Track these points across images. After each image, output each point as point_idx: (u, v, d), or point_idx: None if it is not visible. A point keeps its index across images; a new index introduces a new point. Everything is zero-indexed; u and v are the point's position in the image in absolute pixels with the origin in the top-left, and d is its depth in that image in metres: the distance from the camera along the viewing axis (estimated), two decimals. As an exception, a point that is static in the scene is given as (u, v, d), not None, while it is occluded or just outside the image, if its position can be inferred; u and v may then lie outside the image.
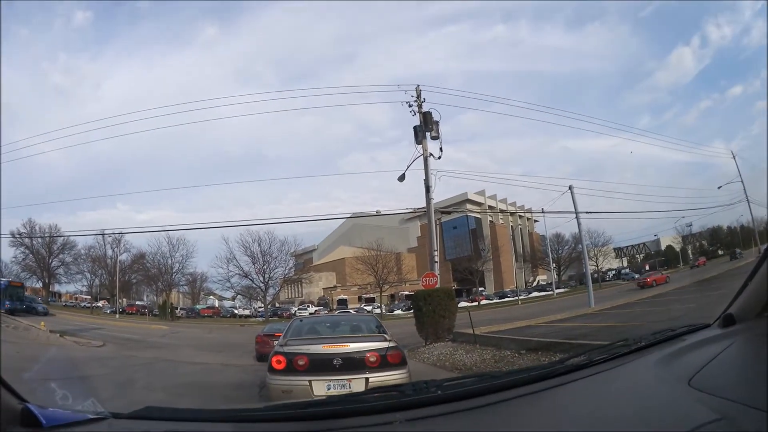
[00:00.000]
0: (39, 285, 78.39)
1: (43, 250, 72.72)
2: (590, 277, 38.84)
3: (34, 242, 71.13)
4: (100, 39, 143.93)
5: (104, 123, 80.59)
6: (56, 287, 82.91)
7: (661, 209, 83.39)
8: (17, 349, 17.57)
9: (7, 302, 44.43)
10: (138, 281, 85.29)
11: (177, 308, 73.47)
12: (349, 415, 2.41)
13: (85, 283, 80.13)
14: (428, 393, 2.65)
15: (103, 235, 69.16)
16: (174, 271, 78.41)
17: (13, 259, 74.57)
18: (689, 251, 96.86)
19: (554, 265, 79.67)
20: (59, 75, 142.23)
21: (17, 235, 69.08)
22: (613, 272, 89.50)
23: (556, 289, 73.46)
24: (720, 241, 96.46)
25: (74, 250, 74.86)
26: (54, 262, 74.13)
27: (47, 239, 70.51)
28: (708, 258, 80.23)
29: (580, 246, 52.19)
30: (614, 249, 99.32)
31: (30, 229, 70.54)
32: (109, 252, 76.26)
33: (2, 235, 61.58)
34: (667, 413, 2.00)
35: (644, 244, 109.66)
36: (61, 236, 69.78)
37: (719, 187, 56.72)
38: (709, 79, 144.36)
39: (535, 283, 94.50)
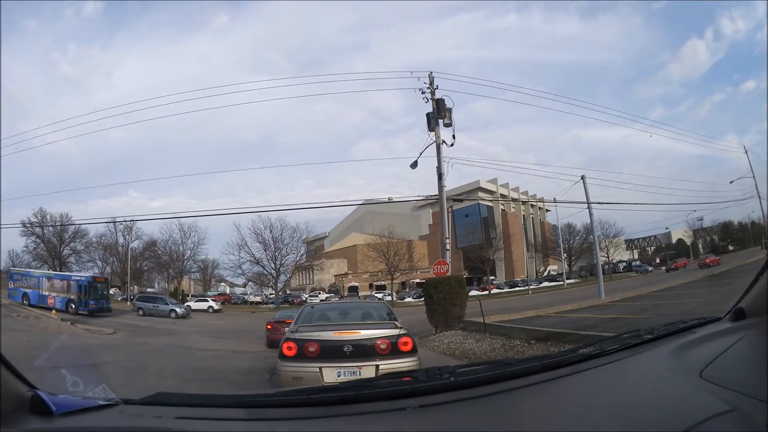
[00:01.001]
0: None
1: (55, 239, 72.91)
2: (601, 269, 38.71)
3: (45, 231, 71.36)
4: (110, 28, 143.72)
5: (116, 111, 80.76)
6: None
7: (672, 202, 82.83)
8: (28, 337, 17.76)
9: (92, 302, 39.13)
10: (149, 268, 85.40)
11: (188, 295, 73.55)
12: (361, 401, 2.42)
13: (97, 271, 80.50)
14: (441, 379, 2.64)
15: (114, 222, 69.25)
16: (185, 258, 78.69)
17: (24, 249, 75.08)
18: (700, 245, 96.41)
19: (565, 255, 79.36)
20: (69, 65, 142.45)
21: (28, 225, 69.28)
22: (624, 264, 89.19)
23: (567, 279, 73.28)
24: (731, 237, 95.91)
25: (85, 238, 74.86)
26: (65, 251, 74.34)
27: (58, 228, 70.70)
28: (719, 254, 79.80)
29: (591, 237, 52.01)
30: (625, 241, 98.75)
31: (41, 218, 70.63)
32: (121, 240, 76.31)
33: (13, 225, 61.77)
34: (679, 403, 2.02)
35: (655, 236, 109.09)
36: (72, 225, 69.85)
37: (731, 182, 56.57)
38: (722, 72, 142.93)
39: (545, 273, 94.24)
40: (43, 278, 41.31)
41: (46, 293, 39.36)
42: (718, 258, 61.82)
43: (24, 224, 67.82)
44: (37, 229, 70.69)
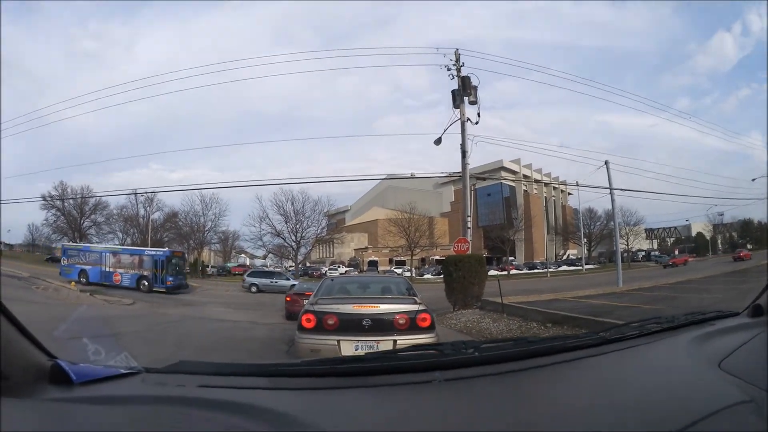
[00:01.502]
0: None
1: (75, 212, 73.40)
2: (620, 256, 38.48)
3: (65, 204, 71.79)
4: (131, 1, 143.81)
5: (137, 85, 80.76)
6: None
7: (694, 194, 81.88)
8: (47, 309, 17.93)
9: (170, 278, 36.96)
10: (170, 239, 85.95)
11: (208, 266, 73.85)
12: (387, 372, 2.43)
13: (117, 243, 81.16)
14: (467, 354, 2.64)
15: (135, 194, 69.48)
16: (206, 229, 78.89)
17: (45, 222, 75.80)
18: (719, 241, 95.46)
19: (585, 240, 78.92)
20: (90, 40, 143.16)
21: (48, 198, 69.75)
22: (643, 253, 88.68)
23: (586, 264, 72.86)
24: (750, 235, 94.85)
25: (106, 210, 75.18)
26: (86, 223, 74.89)
27: (79, 200, 71.11)
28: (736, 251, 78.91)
29: (612, 223, 51.64)
30: (645, 230, 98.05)
31: (62, 191, 71.01)
32: (142, 211, 76.75)
33: (33, 199, 62.10)
34: (698, 390, 2.07)
35: (675, 228, 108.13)
36: (92, 197, 70.07)
37: (753, 180, 55.69)
38: (749, 67, 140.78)
39: (565, 257, 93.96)
40: (107, 253, 38.95)
41: (111, 269, 37.51)
42: (750, 253, 61.91)
43: (44, 197, 68.30)
44: (58, 202, 71.22)
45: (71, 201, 71.10)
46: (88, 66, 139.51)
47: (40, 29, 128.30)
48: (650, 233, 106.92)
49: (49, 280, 34.52)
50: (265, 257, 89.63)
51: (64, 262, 39.90)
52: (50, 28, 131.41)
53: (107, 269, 37.49)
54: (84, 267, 37.96)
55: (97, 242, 67.94)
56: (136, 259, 37.81)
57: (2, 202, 44.11)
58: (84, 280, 36.36)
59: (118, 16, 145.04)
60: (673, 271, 49.27)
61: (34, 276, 37.99)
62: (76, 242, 55.09)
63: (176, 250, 46.04)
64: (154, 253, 39.15)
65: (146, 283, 36.10)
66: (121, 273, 37.03)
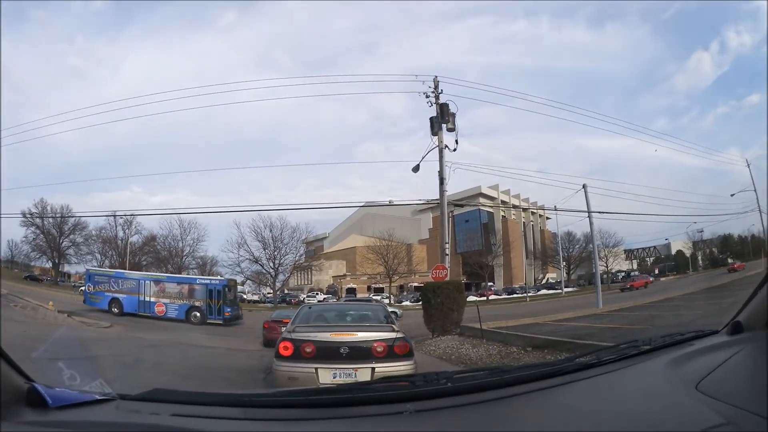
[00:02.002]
0: (48, 265, 79.04)
1: (54, 231, 73.10)
2: (599, 278, 38.77)
3: (45, 222, 71.49)
4: (118, 22, 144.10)
5: (121, 105, 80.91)
6: (66, 267, 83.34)
7: (673, 213, 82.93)
8: (24, 328, 17.65)
9: (228, 309, 33.68)
10: (148, 263, 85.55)
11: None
12: (358, 404, 2.42)
13: (95, 264, 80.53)
14: (439, 384, 2.65)
15: (114, 216, 69.31)
16: (184, 254, 78.75)
17: (24, 239, 75.32)
18: (699, 258, 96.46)
19: (564, 263, 79.38)
20: (76, 57, 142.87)
21: (28, 215, 69.48)
22: (623, 274, 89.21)
23: (565, 287, 73.24)
24: (730, 250, 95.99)
25: (85, 230, 75.13)
26: (64, 243, 74.51)
27: (58, 219, 70.82)
28: (717, 267, 79.62)
29: (590, 246, 52.06)
30: (625, 251, 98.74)
31: (41, 209, 70.86)
32: (120, 233, 76.54)
33: (14, 215, 61.73)
34: (675, 415, 2.03)
35: (655, 247, 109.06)
36: (72, 216, 70.03)
37: (732, 195, 56.55)
38: (727, 85, 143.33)
39: (544, 281, 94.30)
40: (148, 281, 35.11)
41: (153, 299, 33.72)
42: (744, 264, 63.06)
43: (24, 215, 68.04)
44: (37, 220, 70.88)
45: (51, 220, 70.85)
46: (72, 83, 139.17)
47: (26, 42, 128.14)
48: (630, 254, 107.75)
49: (27, 299, 33.93)
50: (242, 283, 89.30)
51: (89, 289, 35.35)
52: (36, 42, 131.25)
53: (147, 299, 33.70)
54: (117, 296, 33.91)
55: (75, 263, 67.38)
56: (185, 288, 34.47)
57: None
58: (116, 310, 33.09)
59: (104, 35, 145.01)
60: (652, 290, 49.38)
61: (12, 294, 37.18)
62: (55, 262, 52.63)
63: (231, 279, 42.49)
64: (208, 281, 36.40)
65: (198, 315, 32.95)
66: (165, 303, 33.59)
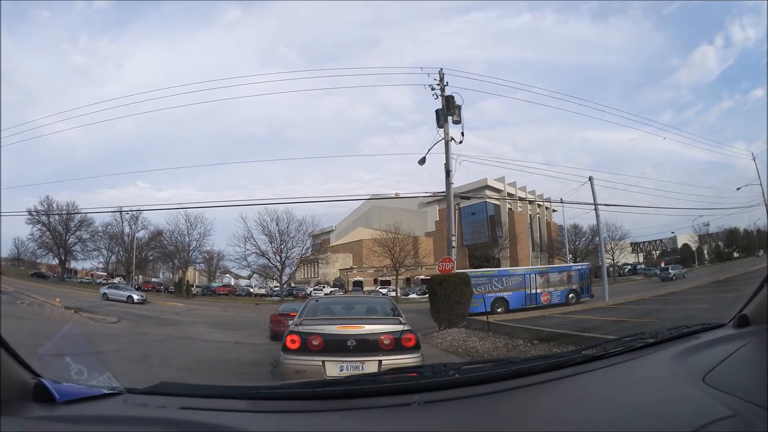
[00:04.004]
0: (55, 262, 79.36)
1: (60, 227, 73.35)
2: (606, 271, 38.66)
3: (51, 219, 71.74)
4: (122, 20, 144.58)
5: (125, 101, 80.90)
6: (72, 264, 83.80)
7: (679, 206, 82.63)
8: (32, 324, 17.76)
9: (589, 287, 37.26)
10: (154, 258, 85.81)
11: (193, 286, 73.73)
12: (366, 395, 2.42)
13: (102, 260, 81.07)
14: (446, 376, 2.66)
15: (120, 212, 69.62)
16: (191, 248, 79.21)
17: (30, 237, 75.65)
18: (705, 251, 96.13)
19: (570, 256, 79.12)
20: (80, 56, 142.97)
21: (34, 213, 69.79)
22: (629, 267, 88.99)
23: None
24: (736, 244, 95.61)
25: (91, 227, 75.78)
26: (71, 239, 74.81)
27: (64, 216, 71.02)
28: (723, 260, 79.12)
29: (597, 238, 51.91)
30: (631, 244, 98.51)
31: (47, 206, 71.24)
32: (127, 229, 76.97)
33: (19, 213, 62.04)
34: (682, 407, 2.05)
35: (661, 240, 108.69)
36: (78, 213, 70.52)
37: (738, 189, 56.10)
38: (732, 79, 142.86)
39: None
40: (533, 274, 36.55)
41: (539, 291, 35.42)
42: None
43: (30, 212, 68.36)
44: (43, 217, 71.10)
45: (57, 217, 71.12)
46: (76, 81, 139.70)
47: (30, 41, 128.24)
48: (636, 247, 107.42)
49: (34, 296, 34.13)
50: (249, 277, 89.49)
51: (474, 292, 34.66)
52: (40, 41, 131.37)
53: (533, 291, 35.35)
54: (501, 294, 34.26)
55: (81, 259, 67.92)
56: (564, 276, 37.09)
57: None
58: (502, 309, 32.95)
59: (108, 33, 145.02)
60: (659, 284, 49.19)
61: (19, 291, 37.73)
62: (61, 258, 53.63)
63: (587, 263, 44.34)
64: (579, 267, 39.45)
65: (573, 296, 35.63)
66: (550, 292, 35.60)
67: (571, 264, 46.39)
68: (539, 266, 47.17)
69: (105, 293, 47.30)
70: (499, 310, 32.43)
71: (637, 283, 57.87)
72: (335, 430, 2.13)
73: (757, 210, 55.51)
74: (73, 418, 2.02)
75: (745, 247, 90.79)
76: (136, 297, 46.86)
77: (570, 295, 35.66)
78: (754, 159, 55.99)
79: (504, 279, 35.42)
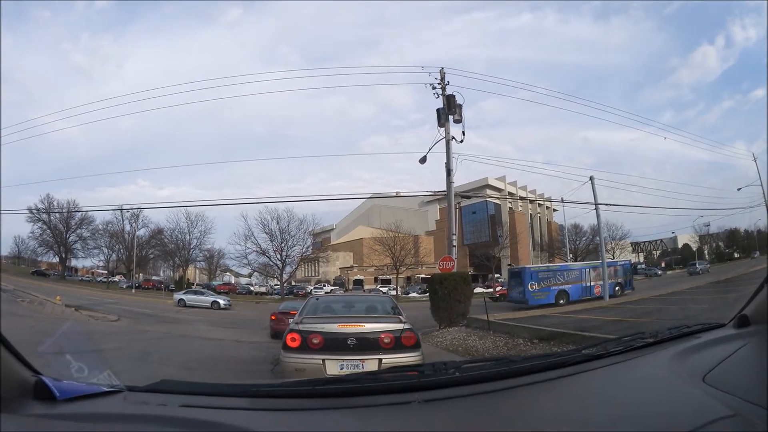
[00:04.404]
0: (55, 260, 79.37)
1: (61, 226, 73.43)
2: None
3: (51, 217, 71.78)
4: (122, 19, 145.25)
5: (126, 100, 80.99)
6: (73, 262, 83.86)
7: (679, 206, 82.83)
8: (32, 322, 17.75)
9: (631, 281, 41.59)
10: (155, 256, 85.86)
11: (193, 284, 73.63)
12: (366, 394, 2.43)
13: (102, 258, 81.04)
14: (447, 374, 2.65)
15: (121, 210, 69.52)
16: (191, 246, 79.24)
17: (30, 235, 75.67)
18: (705, 251, 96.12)
19: (571, 255, 79.10)
20: (81, 55, 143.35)
21: (35, 211, 69.83)
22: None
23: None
24: (737, 244, 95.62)
25: (92, 225, 75.77)
26: (71, 237, 74.88)
27: (65, 214, 71.09)
28: (724, 261, 79.54)
29: (597, 238, 52.05)
30: (631, 243, 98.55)
31: (48, 204, 71.30)
32: (127, 227, 76.91)
33: (20, 211, 62.10)
34: (682, 406, 2.05)
35: (661, 240, 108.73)
36: (79, 211, 70.71)
37: (739, 189, 56.17)
38: (732, 79, 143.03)
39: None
40: (588, 269, 39.67)
41: (592, 283, 38.30)
42: None
43: (30, 210, 68.34)
44: (44, 216, 71.14)
45: (57, 215, 71.19)
46: (76, 80, 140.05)
47: (31, 40, 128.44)
48: (636, 246, 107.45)
49: (34, 294, 34.14)
50: (250, 275, 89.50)
51: (532, 288, 36.64)
52: (41, 40, 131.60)
53: (588, 284, 38.14)
54: (563, 287, 37.03)
55: (82, 257, 68.14)
56: (611, 270, 39.56)
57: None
58: (563, 300, 35.66)
59: (109, 33, 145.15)
60: (658, 283, 49.56)
61: (19, 289, 37.72)
62: (62, 256, 53.58)
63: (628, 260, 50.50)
64: (624, 262, 43.57)
65: (619, 288, 38.88)
66: (600, 284, 37.84)
67: (616, 260, 49.25)
68: (591, 262, 46.85)
69: (181, 299, 44.53)
70: (561, 301, 35.02)
71: (637, 283, 58.24)
72: (336, 428, 2.13)
73: (757, 210, 55.57)
74: (73, 415, 2.02)
75: (745, 247, 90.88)
76: (222, 302, 44.42)
77: (616, 288, 38.71)
78: (754, 159, 56.05)
79: (565, 273, 38.37)
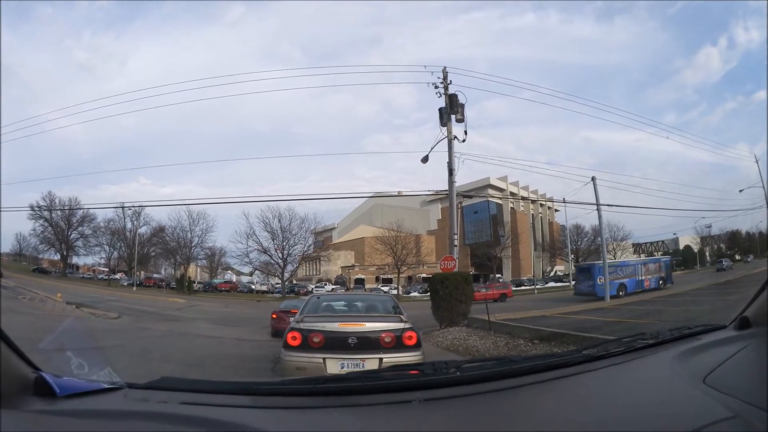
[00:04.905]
0: (57, 257, 79.45)
1: (63, 223, 73.52)
2: (608, 271, 38.82)
3: (53, 215, 71.85)
4: (125, 17, 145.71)
5: (129, 97, 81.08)
6: (74, 259, 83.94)
7: (681, 208, 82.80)
8: (33, 319, 17.70)
9: (671, 276, 46.38)
10: (156, 254, 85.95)
11: (194, 282, 73.76)
12: (367, 392, 2.42)
13: (104, 256, 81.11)
14: (447, 374, 2.65)
15: (122, 208, 69.57)
16: (193, 245, 79.33)
17: (32, 232, 75.76)
18: (707, 253, 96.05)
19: (572, 256, 79.03)
20: (83, 52, 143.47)
21: (36, 208, 69.96)
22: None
23: (573, 280, 72.95)
24: (738, 246, 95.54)
25: (94, 222, 75.84)
26: (73, 235, 74.97)
27: (67, 212, 71.15)
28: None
29: (599, 239, 52.21)
30: (633, 244, 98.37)
31: (50, 201, 71.47)
32: (129, 225, 77.00)
33: (22, 209, 62.12)
34: (683, 407, 2.04)
35: (663, 241, 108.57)
36: (80, 209, 70.71)
37: (741, 191, 56.65)
38: (735, 80, 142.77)
39: (552, 273, 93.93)
40: (641, 264, 44.92)
41: (643, 277, 42.76)
42: None
43: (32, 208, 68.42)
44: (45, 213, 71.20)
45: (59, 212, 71.24)
46: (79, 77, 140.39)
47: (33, 38, 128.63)
48: (638, 248, 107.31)
49: (35, 291, 34.13)
50: (251, 274, 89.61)
51: (600, 281, 41.39)
52: (43, 38, 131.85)
53: (640, 278, 42.90)
54: (622, 281, 41.60)
55: (84, 254, 68.50)
56: (657, 266, 45.27)
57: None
58: (622, 293, 39.61)
59: (112, 30, 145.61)
60: (679, 280, 50.04)
61: (20, 286, 37.71)
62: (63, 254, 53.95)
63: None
64: (665, 259, 50.07)
65: (662, 282, 43.46)
66: (649, 278, 43.07)
67: (660, 257, 57.21)
68: (643, 258, 57.10)
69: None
70: (621, 293, 39.29)
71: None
72: (336, 426, 2.13)
73: (759, 213, 55.65)
74: (73, 412, 2.02)
75: (746, 249, 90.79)
76: None
77: (660, 282, 43.37)
78: (756, 161, 55.97)
79: (624, 269, 43.51)
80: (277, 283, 75.39)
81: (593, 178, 38.24)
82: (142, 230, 78.47)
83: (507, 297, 49.04)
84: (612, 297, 37.11)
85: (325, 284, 78.61)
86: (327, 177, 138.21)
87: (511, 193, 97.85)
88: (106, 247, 78.57)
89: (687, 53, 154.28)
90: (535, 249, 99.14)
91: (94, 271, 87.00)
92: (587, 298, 36.85)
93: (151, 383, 2.46)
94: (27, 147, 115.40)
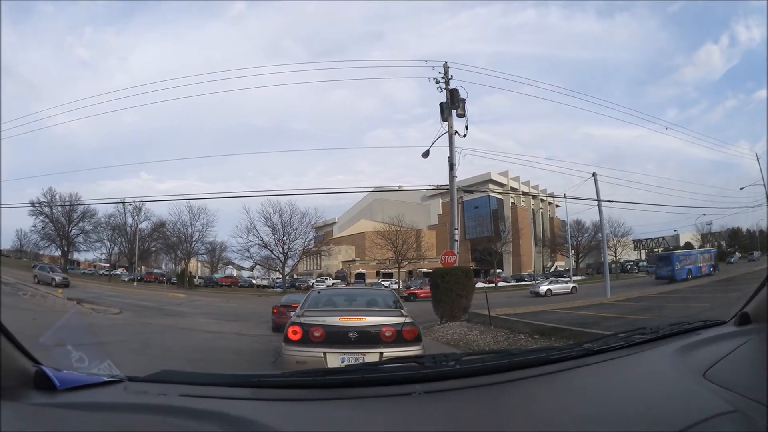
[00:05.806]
0: (57, 253, 79.46)
1: (63, 219, 73.51)
2: (608, 267, 38.78)
3: (54, 211, 71.85)
4: (127, 12, 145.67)
5: (130, 93, 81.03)
6: (75, 255, 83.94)
7: (682, 204, 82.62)
8: (34, 315, 17.72)
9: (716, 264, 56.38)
10: (157, 249, 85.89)
11: (195, 277, 73.79)
12: (367, 385, 2.42)
13: (104, 251, 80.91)
14: (447, 366, 2.66)
15: (123, 203, 69.56)
16: (194, 239, 79.08)
17: (33, 228, 75.76)
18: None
19: (573, 251, 79.06)
20: (85, 49, 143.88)
21: (37, 204, 69.93)
22: (631, 264, 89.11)
23: (574, 276, 72.91)
24: (738, 243, 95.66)
25: (94, 218, 75.68)
26: (73, 231, 74.98)
27: (67, 208, 71.16)
28: (725, 260, 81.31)
29: (599, 234, 52.37)
30: (633, 241, 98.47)
31: (50, 197, 71.34)
32: (129, 220, 76.89)
33: (22, 205, 62.25)
34: (682, 401, 2.05)
35: (663, 238, 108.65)
36: (81, 204, 70.60)
37: (741, 189, 56.67)
38: (736, 78, 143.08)
39: (553, 269, 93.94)
40: (699, 254, 55.10)
41: (701, 265, 52.31)
42: None
43: (33, 203, 68.43)
44: (46, 209, 71.21)
45: (59, 208, 71.23)
46: (80, 73, 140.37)
47: (35, 34, 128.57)
48: (638, 244, 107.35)
49: (37, 287, 34.12)
50: (252, 269, 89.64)
51: (678, 267, 50.76)
52: (45, 34, 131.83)
53: (700, 265, 52.43)
54: (689, 266, 51.29)
55: (84, 250, 68.74)
56: (710, 256, 55.99)
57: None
58: (690, 276, 48.74)
59: (113, 26, 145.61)
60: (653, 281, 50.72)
61: (21, 282, 37.65)
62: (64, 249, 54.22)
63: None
64: (713, 250, 60.77)
65: (712, 269, 53.03)
66: (704, 265, 52.74)
67: (709, 248, 65.16)
68: (701, 249, 63.66)
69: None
70: (689, 277, 48.01)
71: (638, 280, 59.01)
72: (336, 418, 2.12)
73: (760, 210, 55.92)
74: (73, 404, 2.02)
75: (747, 247, 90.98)
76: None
77: (711, 268, 52.87)
78: (757, 159, 56.04)
79: (690, 257, 53.32)
80: (277, 278, 75.37)
81: (594, 174, 38.13)
82: (143, 225, 78.39)
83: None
84: (682, 280, 45.86)
85: (326, 279, 78.57)
86: (328, 172, 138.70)
87: (512, 188, 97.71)
88: (107, 243, 78.43)
89: (688, 51, 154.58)
90: (536, 244, 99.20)
91: (94, 266, 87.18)
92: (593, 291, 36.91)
93: (151, 376, 2.46)
94: (28, 143, 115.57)
